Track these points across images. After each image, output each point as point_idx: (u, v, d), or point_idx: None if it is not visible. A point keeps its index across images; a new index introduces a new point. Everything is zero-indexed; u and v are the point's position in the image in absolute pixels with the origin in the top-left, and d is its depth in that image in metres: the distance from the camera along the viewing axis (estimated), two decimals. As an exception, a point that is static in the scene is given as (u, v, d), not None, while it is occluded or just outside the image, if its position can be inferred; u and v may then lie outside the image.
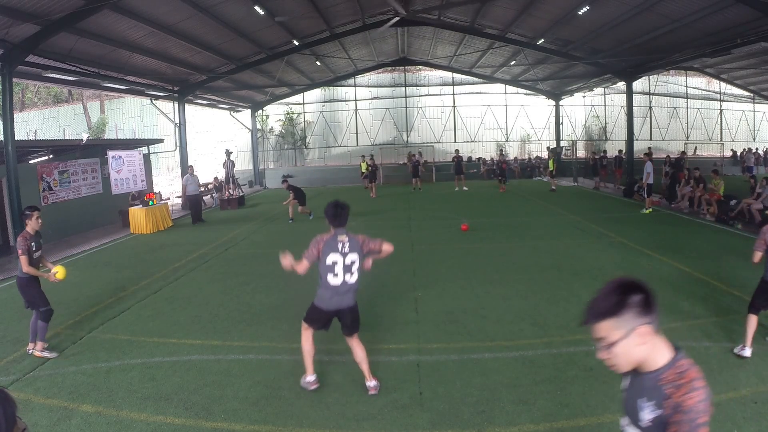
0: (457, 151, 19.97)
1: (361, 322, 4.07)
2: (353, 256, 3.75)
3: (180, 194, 18.17)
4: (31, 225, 5.08)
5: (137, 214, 12.35)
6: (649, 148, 18.52)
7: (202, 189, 17.07)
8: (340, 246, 3.74)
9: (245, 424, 3.57)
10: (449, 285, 6.72)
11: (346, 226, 3.83)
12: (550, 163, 18.33)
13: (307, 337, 3.96)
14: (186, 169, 17.22)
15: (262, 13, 12.54)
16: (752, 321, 4.32)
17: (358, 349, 3.98)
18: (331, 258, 3.72)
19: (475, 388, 3.95)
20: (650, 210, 12.43)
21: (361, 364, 3.99)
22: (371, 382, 3.99)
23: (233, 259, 8.93)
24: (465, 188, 18.60)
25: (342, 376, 4.25)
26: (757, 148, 25.08)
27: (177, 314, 6.02)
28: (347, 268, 3.74)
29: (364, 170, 19.31)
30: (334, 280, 3.74)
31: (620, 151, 20.58)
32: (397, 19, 11.27)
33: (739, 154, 24.76)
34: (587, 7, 12.21)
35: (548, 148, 24.03)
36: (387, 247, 3.90)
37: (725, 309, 5.46)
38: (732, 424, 3.30)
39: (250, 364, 4.55)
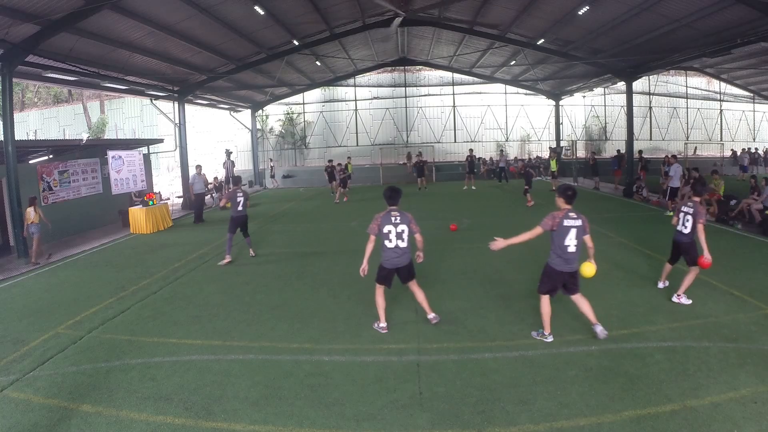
0: (471, 150, 20.13)
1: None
2: (403, 227, 4.98)
3: (180, 194, 18.21)
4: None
5: (137, 214, 12.35)
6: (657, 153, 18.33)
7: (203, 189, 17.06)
8: (393, 219, 4.98)
9: (245, 424, 3.57)
10: (449, 285, 6.72)
11: (398, 205, 5.11)
12: (553, 163, 18.27)
13: (380, 293, 5.22)
14: (186, 169, 17.27)
15: (262, 13, 12.55)
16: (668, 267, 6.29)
17: (417, 292, 5.26)
18: (386, 228, 4.96)
19: (475, 388, 3.95)
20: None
21: (422, 303, 5.30)
22: (431, 314, 5.30)
23: (233, 259, 8.92)
24: (473, 188, 18.61)
25: (342, 376, 4.25)
26: (756, 149, 25.08)
27: (177, 314, 6.02)
28: (399, 236, 4.97)
29: (350, 171, 19.21)
30: (389, 245, 4.97)
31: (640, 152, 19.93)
32: (400, 19, 11.22)
33: (738, 154, 24.78)
34: (587, 7, 12.20)
35: (550, 147, 24.05)
36: (419, 236, 5.18)
37: (725, 309, 5.46)
38: (732, 424, 3.30)
39: (250, 364, 4.55)
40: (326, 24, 15.72)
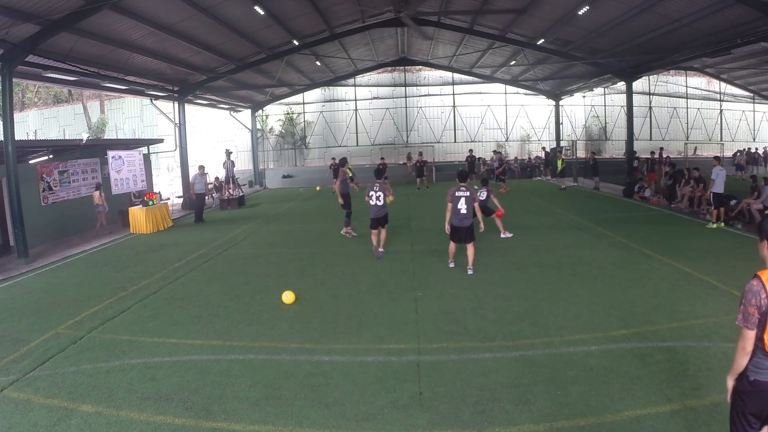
0: (471, 150, 20.20)
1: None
2: (380, 193, 8.26)
3: (180, 194, 18.21)
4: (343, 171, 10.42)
5: (137, 214, 12.35)
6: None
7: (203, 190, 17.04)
8: (375, 187, 8.32)
9: (245, 424, 3.57)
10: (449, 285, 6.72)
11: (381, 179, 8.55)
12: (560, 162, 18.35)
13: (373, 234, 8.53)
14: (186, 168, 17.27)
15: (262, 13, 12.54)
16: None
17: (382, 232, 8.53)
18: (372, 193, 8.29)
19: (475, 388, 3.95)
20: (717, 225, 10.24)
21: (381, 240, 8.52)
22: (381, 249, 8.51)
23: (233, 259, 8.93)
24: (475, 187, 18.62)
25: (342, 376, 4.25)
26: (756, 148, 25.07)
27: (177, 314, 6.03)
28: (378, 198, 8.25)
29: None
30: (371, 203, 8.28)
31: (652, 153, 18.78)
32: (410, 16, 11.26)
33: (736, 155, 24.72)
34: (587, 7, 12.20)
35: (543, 148, 24.11)
36: (390, 197, 8.43)
37: (725, 309, 5.46)
38: (732, 424, 3.30)
39: (250, 364, 4.55)
40: (326, 24, 15.71)
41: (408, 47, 22.48)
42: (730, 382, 2.43)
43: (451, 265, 7.52)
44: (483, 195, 9.70)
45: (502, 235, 9.75)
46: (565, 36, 15.78)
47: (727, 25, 11.42)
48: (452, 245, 7.45)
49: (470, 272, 7.16)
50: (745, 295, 2.28)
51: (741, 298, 2.31)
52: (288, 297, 6.22)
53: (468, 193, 6.97)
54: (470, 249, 7.17)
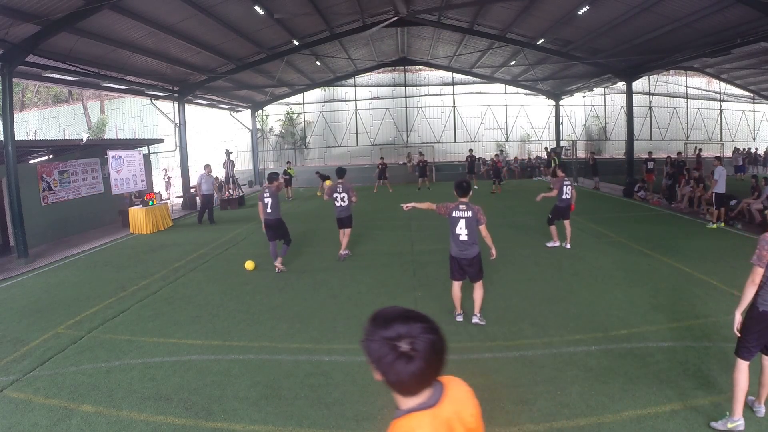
0: (471, 150, 20.24)
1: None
2: (344, 194, 8.11)
3: (180, 194, 18.20)
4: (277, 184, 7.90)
5: (137, 214, 12.35)
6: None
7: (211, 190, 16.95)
8: (339, 188, 8.14)
9: (245, 424, 3.57)
10: (449, 285, 6.71)
11: (343, 179, 8.20)
12: (552, 162, 18.36)
13: (340, 233, 8.43)
14: (186, 169, 17.27)
15: (262, 13, 12.52)
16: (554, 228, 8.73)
17: (344, 238, 8.34)
18: (336, 194, 8.12)
19: (475, 388, 3.91)
20: (717, 225, 10.24)
21: (343, 244, 8.40)
22: (343, 251, 8.39)
23: (233, 259, 8.92)
24: (475, 187, 18.62)
25: (342, 376, 4.25)
26: (757, 149, 25.07)
27: (177, 314, 6.03)
28: (342, 199, 8.10)
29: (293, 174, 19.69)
30: (336, 203, 8.16)
31: (679, 153, 18.14)
32: (395, 18, 11.26)
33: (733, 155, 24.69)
34: (587, 7, 12.19)
35: (546, 148, 24.11)
36: (354, 199, 8.18)
37: (725, 309, 5.45)
38: (732, 424, 3.30)
39: (250, 364, 4.55)
40: (326, 24, 15.71)
41: (408, 47, 22.48)
42: (738, 315, 3.25)
43: (459, 318, 5.41)
44: (568, 190, 8.43)
45: (566, 245, 8.59)
46: (565, 36, 15.78)
47: (727, 25, 11.42)
48: (456, 288, 5.36)
49: (476, 320, 5.30)
50: (760, 242, 3.16)
51: (757, 244, 3.16)
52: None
53: (470, 214, 5.00)
54: (478, 290, 5.28)
